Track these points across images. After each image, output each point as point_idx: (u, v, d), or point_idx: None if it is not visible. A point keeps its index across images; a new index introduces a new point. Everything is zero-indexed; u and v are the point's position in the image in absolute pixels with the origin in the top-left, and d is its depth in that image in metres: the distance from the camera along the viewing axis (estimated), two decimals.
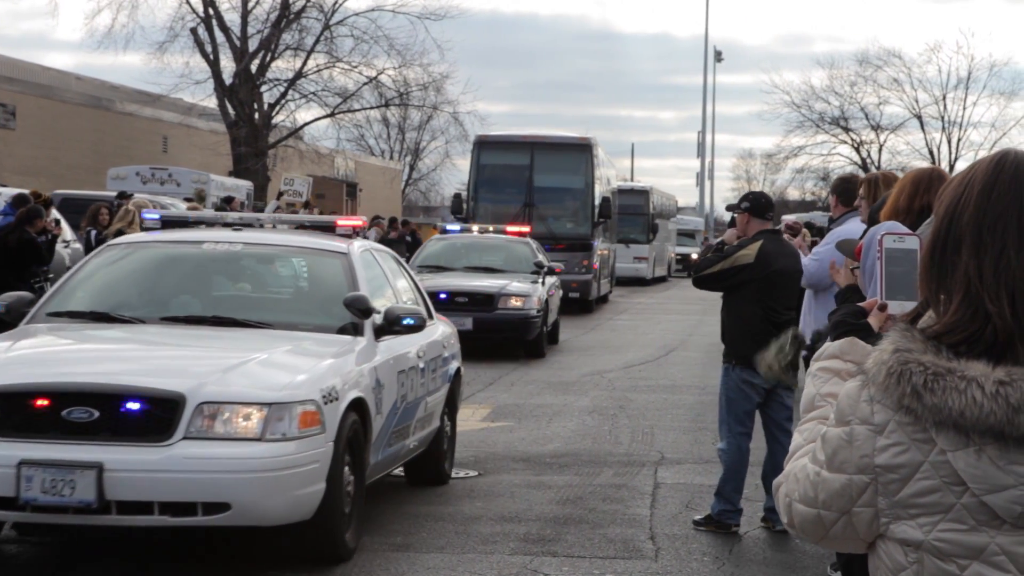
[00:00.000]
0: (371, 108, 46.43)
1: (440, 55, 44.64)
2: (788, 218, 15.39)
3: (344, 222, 9.32)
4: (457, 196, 30.37)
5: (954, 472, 2.19)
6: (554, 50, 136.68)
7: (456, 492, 9.71)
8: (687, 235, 57.94)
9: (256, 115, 43.28)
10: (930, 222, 2.44)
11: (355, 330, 8.17)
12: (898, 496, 2.23)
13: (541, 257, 21.07)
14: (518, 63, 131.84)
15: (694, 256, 34.81)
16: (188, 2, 42.39)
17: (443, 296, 17.80)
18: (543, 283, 19.85)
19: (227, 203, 26.66)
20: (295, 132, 45.39)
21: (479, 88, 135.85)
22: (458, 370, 10.24)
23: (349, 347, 7.96)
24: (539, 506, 9.30)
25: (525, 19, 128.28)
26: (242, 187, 35.35)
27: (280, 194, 30.04)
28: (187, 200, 23.83)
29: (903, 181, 5.80)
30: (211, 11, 42.55)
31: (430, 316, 9.78)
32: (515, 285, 19.17)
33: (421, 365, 8.97)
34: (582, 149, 30.23)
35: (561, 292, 22.33)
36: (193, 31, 42.37)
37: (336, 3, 43.51)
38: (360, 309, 8.09)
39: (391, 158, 69.57)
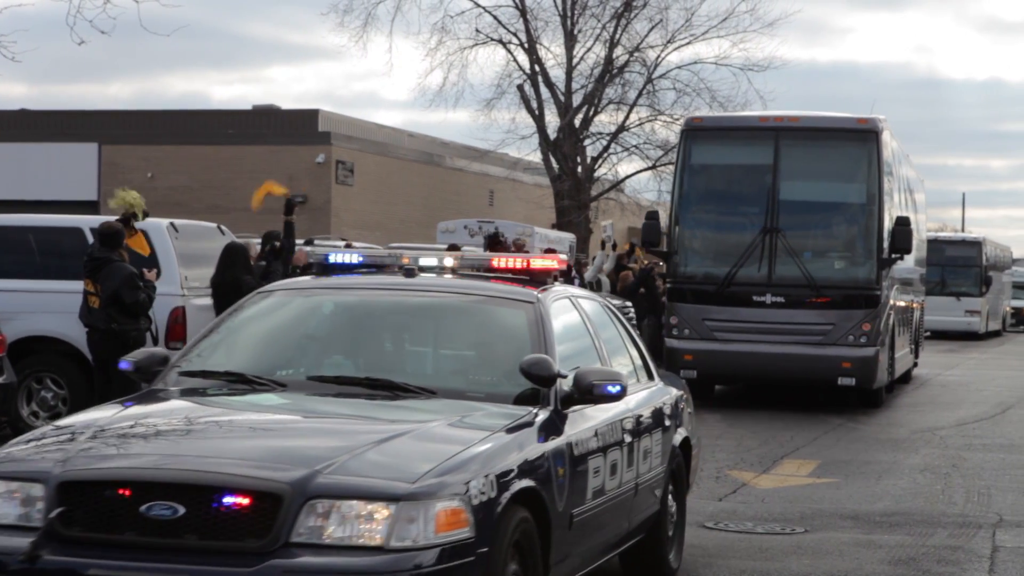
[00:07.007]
0: None
1: (762, 106, 44.12)
2: None
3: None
4: (652, 216, 19.31)
5: None
6: (876, 98, 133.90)
7: (783, 548, 9.54)
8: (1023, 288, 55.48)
9: (579, 168, 43.98)
10: None
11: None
12: None
13: (554, 356, 6.55)
14: (840, 111, 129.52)
15: None
16: (515, 60, 43.61)
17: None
18: (546, 433, 6.18)
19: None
20: (616, 185, 45.85)
21: None
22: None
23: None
24: (869, 565, 9.03)
25: (844, 67, 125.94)
26: (565, 239, 35.95)
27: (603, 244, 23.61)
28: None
29: None
30: (537, 68, 43.59)
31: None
32: (377, 454, 5.48)
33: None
34: (862, 138, 18.59)
35: (683, 435, 8.42)
36: (520, 88, 43.48)
37: (659, 57, 43.86)
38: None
39: None
